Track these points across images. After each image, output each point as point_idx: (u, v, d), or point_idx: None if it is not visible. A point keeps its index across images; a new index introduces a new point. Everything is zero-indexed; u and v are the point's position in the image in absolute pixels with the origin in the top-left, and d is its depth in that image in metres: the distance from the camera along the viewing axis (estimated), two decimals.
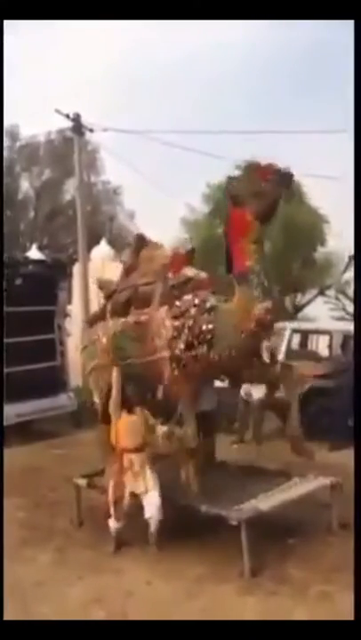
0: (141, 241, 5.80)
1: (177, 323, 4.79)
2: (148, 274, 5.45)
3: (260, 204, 4.41)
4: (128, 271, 5.74)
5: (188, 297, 4.90)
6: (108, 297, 5.79)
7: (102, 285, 6.17)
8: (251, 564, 4.25)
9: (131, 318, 5.26)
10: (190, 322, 4.72)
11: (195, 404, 5.05)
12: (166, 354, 4.79)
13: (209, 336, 4.62)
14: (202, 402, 6.45)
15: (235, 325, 4.54)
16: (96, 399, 5.57)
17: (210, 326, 4.62)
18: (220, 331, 4.61)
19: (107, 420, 5.10)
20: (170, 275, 5.24)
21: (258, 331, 4.51)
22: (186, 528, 4.87)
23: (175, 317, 4.83)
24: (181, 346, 4.70)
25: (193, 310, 4.76)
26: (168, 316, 4.90)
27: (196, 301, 4.80)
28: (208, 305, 4.74)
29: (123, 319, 5.35)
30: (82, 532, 5.23)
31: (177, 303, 4.90)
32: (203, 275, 5.36)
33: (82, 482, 5.35)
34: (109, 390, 5.08)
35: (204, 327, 4.65)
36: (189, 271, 5.32)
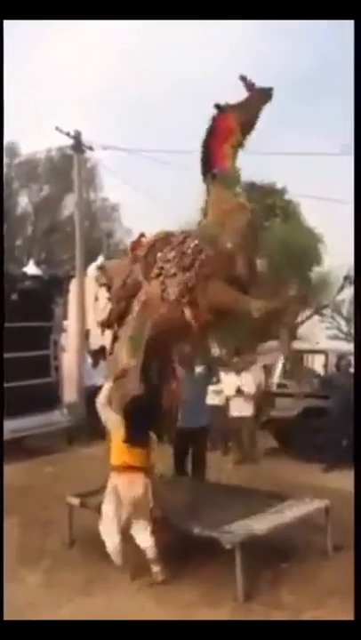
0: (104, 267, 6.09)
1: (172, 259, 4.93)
2: (122, 272, 5.56)
3: (244, 112, 4.80)
4: (109, 288, 5.88)
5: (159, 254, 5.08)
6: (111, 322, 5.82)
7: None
8: (244, 588, 4.19)
9: (134, 307, 5.27)
10: (179, 253, 4.88)
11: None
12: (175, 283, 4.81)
13: (200, 247, 4.76)
14: (195, 417, 6.45)
15: (216, 220, 4.77)
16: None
17: (195, 241, 4.81)
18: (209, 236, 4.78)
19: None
20: (137, 253, 5.38)
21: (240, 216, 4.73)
22: (178, 550, 4.81)
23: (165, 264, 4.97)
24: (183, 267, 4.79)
25: (174, 250, 4.96)
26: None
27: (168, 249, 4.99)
28: (181, 238, 4.97)
29: (130, 317, 5.34)
30: (73, 553, 5.16)
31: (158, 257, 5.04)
32: (161, 231, 5.49)
33: (74, 501, 5.29)
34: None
35: (191, 245, 4.81)
36: (147, 238, 5.46)
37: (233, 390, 8.48)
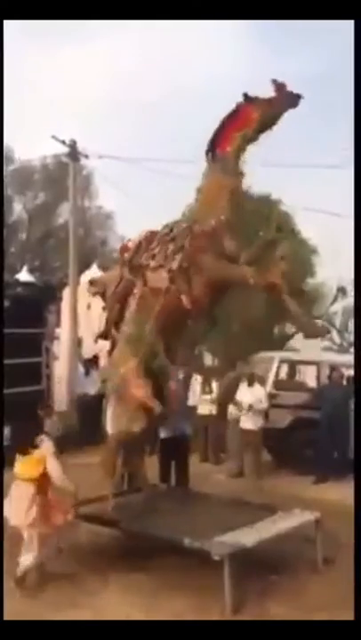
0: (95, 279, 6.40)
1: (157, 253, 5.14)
2: (114, 280, 5.65)
3: (267, 109, 5.00)
4: (103, 295, 5.91)
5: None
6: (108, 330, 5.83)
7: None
8: (232, 600, 4.15)
9: (131, 305, 5.34)
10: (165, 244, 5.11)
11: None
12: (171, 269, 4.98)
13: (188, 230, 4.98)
14: (178, 426, 6.44)
15: (214, 200, 5.02)
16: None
17: (183, 225, 5.05)
18: (196, 217, 5.04)
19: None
20: (125, 255, 5.52)
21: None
22: (168, 561, 4.77)
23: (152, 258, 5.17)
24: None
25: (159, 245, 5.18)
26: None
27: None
28: (165, 231, 5.19)
29: (127, 314, 5.43)
30: (60, 562, 5.10)
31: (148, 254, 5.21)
32: (145, 231, 5.57)
33: (70, 517, 5.22)
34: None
35: (179, 230, 5.05)
36: (135, 239, 5.62)
37: (248, 403, 8.18)
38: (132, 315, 5.29)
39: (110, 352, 5.83)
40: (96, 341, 6.14)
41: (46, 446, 4.67)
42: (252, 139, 5.11)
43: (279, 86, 4.92)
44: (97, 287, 5.96)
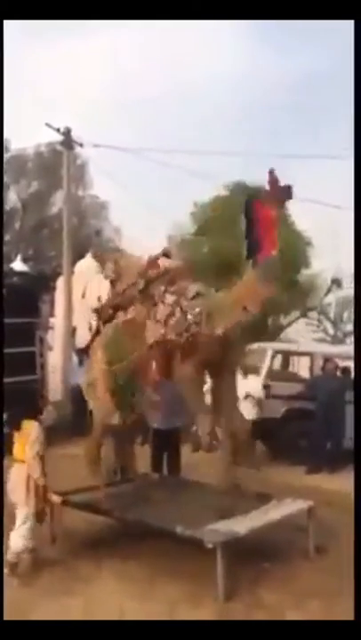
0: (120, 254, 6.20)
1: (167, 305, 5.13)
2: (129, 277, 5.66)
3: (273, 202, 4.87)
4: (113, 283, 5.91)
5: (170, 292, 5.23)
6: (99, 313, 5.90)
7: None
8: (225, 588, 4.18)
9: (119, 319, 5.48)
10: (177, 307, 5.07)
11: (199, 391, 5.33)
12: (162, 335, 5.07)
13: (200, 317, 4.93)
14: (171, 419, 6.52)
15: (235, 303, 4.86)
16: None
17: (197, 309, 4.97)
18: (216, 310, 4.93)
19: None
20: (149, 271, 5.50)
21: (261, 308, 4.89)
22: (160, 549, 4.80)
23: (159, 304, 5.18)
24: (177, 327, 4.98)
25: (175, 299, 5.14)
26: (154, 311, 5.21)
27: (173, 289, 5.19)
28: (193, 292, 5.12)
29: (112, 323, 5.57)
30: (53, 551, 5.12)
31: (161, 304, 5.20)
32: (179, 263, 5.54)
33: (56, 499, 5.24)
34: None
35: (196, 310, 4.97)
36: (166, 262, 5.57)
37: (243, 393, 8.29)
38: (117, 330, 5.46)
39: (93, 338, 5.99)
40: (97, 319, 6.17)
41: (33, 431, 4.71)
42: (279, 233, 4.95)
43: (272, 180, 4.83)
44: (114, 272, 6.01)
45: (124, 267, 5.95)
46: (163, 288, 5.22)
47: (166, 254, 5.78)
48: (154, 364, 5.14)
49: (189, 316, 4.95)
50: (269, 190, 4.82)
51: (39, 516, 4.70)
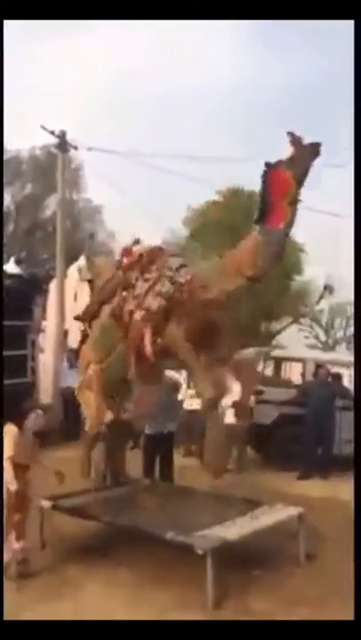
0: (92, 261, 6.24)
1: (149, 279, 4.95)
2: (105, 274, 5.64)
3: (295, 167, 4.59)
4: (91, 283, 5.95)
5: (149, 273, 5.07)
6: (81, 318, 5.87)
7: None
8: (214, 594, 4.17)
9: (104, 314, 5.37)
10: (160, 277, 4.91)
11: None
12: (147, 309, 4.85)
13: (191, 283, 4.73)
14: (164, 424, 6.51)
15: (232, 266, 4.64)
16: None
17: (188, 276, 4.78)
18: (210, 274, 4.73)
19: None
20: (124, 260, 5.40)
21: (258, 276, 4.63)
22: (151, 554, 4.77)
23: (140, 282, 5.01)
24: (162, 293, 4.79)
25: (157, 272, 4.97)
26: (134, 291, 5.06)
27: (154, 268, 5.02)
28: (178, 264, 4.96)
29: (97, 320, 5.48)
30: (43, 555, 5.09)
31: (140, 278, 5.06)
32: (154, 245, 5.52)
33: (46, 504, 5.22)
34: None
35: (187, 276, 4.78)
36: (139, 248, 5.46)
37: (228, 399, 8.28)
38: (104, 325, 5.35)
39: (80, 345, 5.96)
40: (77, 320, 6.11)
41: (8, 434, 4.67)
42: (296, 200, 4.67)
43: (296, 141, 4.57)
44: (90, 272, 6.00)
45: (99, 266, 5.98)
46: (140, 269, 5.11)
47: (137, 241, 5.72)
48: (146, 339, 4.78)
49: (179, 279, 4.79)
50: (293, 152, 4.54)
51: (15, 525, 4.54)
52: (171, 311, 4.76)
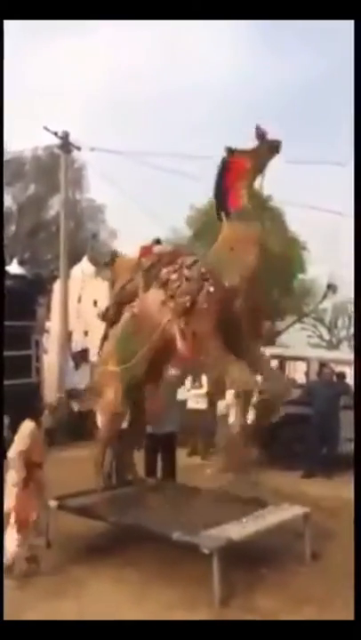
0: (114, 256, 6.21)
1: (173, 280, 4.99)
2: (125, 275, 5.63)
3: (254, 159, 4.91)
4: (112, 284, 5.92)
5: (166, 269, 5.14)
6: (104, 317, 5.86)
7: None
8: (221, 593, 4.18)
9: (126, 315, 5.37)
10: (181, 277, 4.95)
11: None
12: (174, 310, 4.87)
13: (208, 275, 4.79)
14: (166, 423, 6.51)
15: (240, 251, 4.76)
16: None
17: (202, 269, 4.85)
18: (218, 265, 4.83)
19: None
20: (143, 260, 5.45)
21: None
22: (157, 554, 4.79)
23: (165, 284, 5.04)
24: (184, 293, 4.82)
25: (177, 273, 5.02)
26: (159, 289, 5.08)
27: (177, 266, 5.07)
28: (190, 260, 5.04)
29: (120, 322, 5.46)
30: (49, 555, 5.11)
31: (162, 274, 5.13)
32: (170, 247, 5.57)
33: (52, 504, 5.24)
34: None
35: (201, 269, 4.85)
36: (159, 248, 5.54)
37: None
38: (125, 327, 5.32)
39: (101, 346, 5.90)
40: (102, 319, 6.12)
41: (23, 429, 4.69)
42: (252, 186, 4.98)
43: (259, 134, 4.85)
44: (110, 272, 5.99)
45: (118, 265, 5.96)
46: (165, 270, 5.14)
47: (158, 241, 5.77)
48: (178, 337, 4.79)
49: (196, 274, 4.83)
50: (258, 144, 4.82)
51: (23, 525, 4.54)
52: (199, 308, 4.78)
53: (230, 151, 4.92)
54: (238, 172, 4.92)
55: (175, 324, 4.84)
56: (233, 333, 4.76)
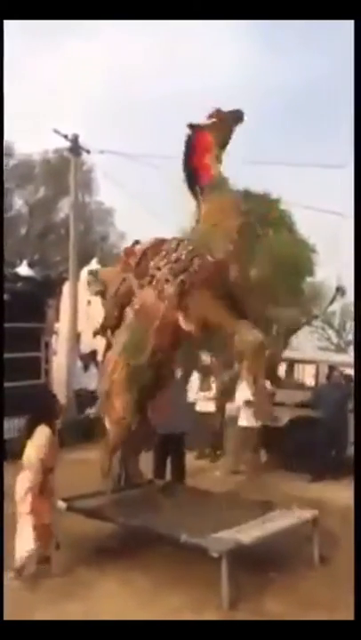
0: (95, 272, 6.37)
1: (162, 266, 5.08)
2: (115, 280, 5.67)
3: (217, 131, 5.12)
4: (103, 294, 5.96)
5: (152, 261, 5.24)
6: (103, 330, 5.86)
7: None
8: (229, 596, 4.17)
9: (129, 315, 5.37)
10: (169, 262, 5.05)
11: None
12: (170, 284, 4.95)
13: (194, 252, 4.89)
14: (176, 424, 6.50)
15: (221, 223, 4.87)
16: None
17: (190, 247, 4.96)
18: (205, 240, 4.93)
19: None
20: (129, 261, 5.53)
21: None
22: (165, 556, 4.79)
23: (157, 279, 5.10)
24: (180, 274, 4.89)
25: (165, 259, 5.12)
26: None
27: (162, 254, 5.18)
28: (174, 244, 5.15)
29: (125, 322, 5.46)
30: (58, 556, 5.12)
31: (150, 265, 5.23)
32: (153, 238, 5.60)
33: (61, 505, 5.25)
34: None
35: (185, 251, 4.96)
36: (140, 246, 5.60)
37: (242, 400, 8.23)
38: (130, 326, 5.33)
39: (105, 353, 5.90)
40: (95, 336, 6.18)
41: (41, 436, 4.69)
42: (219, 158, 5.16)
43: (217, 113, 5.08)
44: (97, 285, 6.02)
45: (103, 275, 6.05)
46: (152, 262, 5.23)
47: (137, 242, 5.82)
48: (181, 317, 4.85)
49: (184, 254, 4.94)
50: (216, 120, 5.04)
51: (37, 529, 4.54)
52: (193, 283, 4.86)
53: (192, 127, 5.10)
54: (204, 146, 5.09)
55: (174, 304, 4.89)
56: (236, 305, 4.86)
